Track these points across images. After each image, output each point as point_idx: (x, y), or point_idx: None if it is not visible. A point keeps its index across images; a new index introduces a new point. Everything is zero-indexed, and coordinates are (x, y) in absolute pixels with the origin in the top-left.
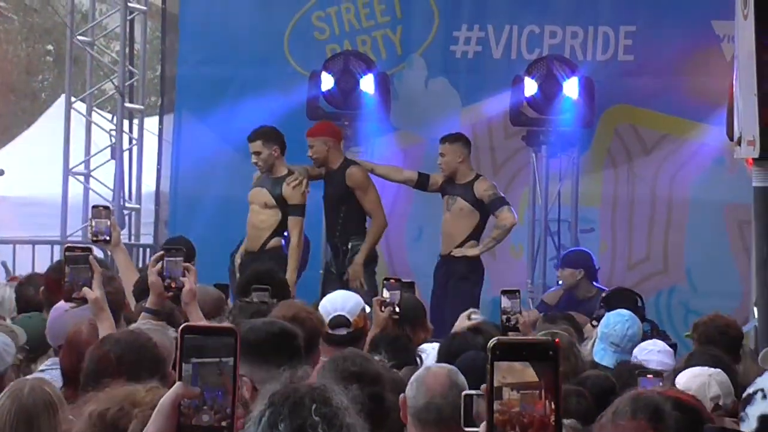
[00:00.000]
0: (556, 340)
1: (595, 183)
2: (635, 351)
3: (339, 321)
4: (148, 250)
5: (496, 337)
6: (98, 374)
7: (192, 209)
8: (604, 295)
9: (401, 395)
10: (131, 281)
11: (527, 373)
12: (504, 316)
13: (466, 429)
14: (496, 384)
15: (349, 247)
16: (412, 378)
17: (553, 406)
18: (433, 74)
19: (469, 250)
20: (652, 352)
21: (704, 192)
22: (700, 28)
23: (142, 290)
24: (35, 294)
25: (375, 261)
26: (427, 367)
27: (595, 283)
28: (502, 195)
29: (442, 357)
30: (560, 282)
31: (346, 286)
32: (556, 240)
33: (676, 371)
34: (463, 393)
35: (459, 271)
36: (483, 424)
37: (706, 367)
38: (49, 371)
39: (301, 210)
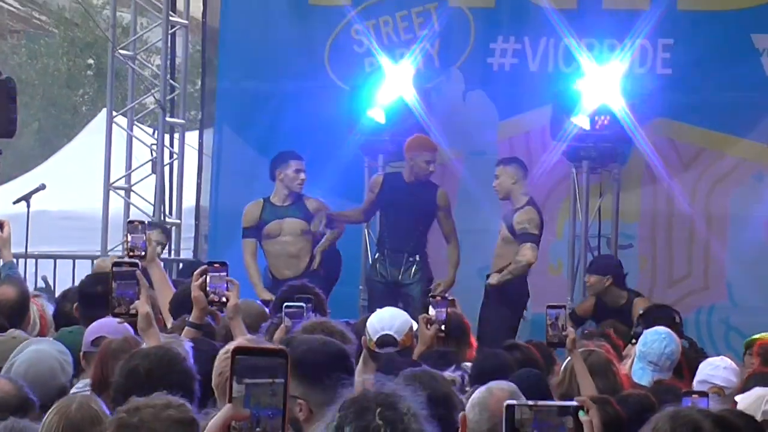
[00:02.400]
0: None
1: (633, 198)
2: (702, 366)
3: (386, 340)
4: None
5: None
6: (127, 388)
7: (232, 224)
8: (641, 312)
9: (461, 413)
10: (166, 297)
11: None
12: (550, 331)
13: None
14: None
15: (417, 259)
16: (474, 400)
17: None
18: (471, 87)
19: (492, 278)
20: (717, 368)
21: (744, 207)
22: (739, 42)
23: (178, 305)
24: (72, 310)
25: (431, 281)
26: (489, 389)
27: (625, 289)
28: (534, 232)
29: (474, 377)
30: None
31: (396, 295)
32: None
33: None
34: (505, 403)
35: (494, 297)
36: None
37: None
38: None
39: None
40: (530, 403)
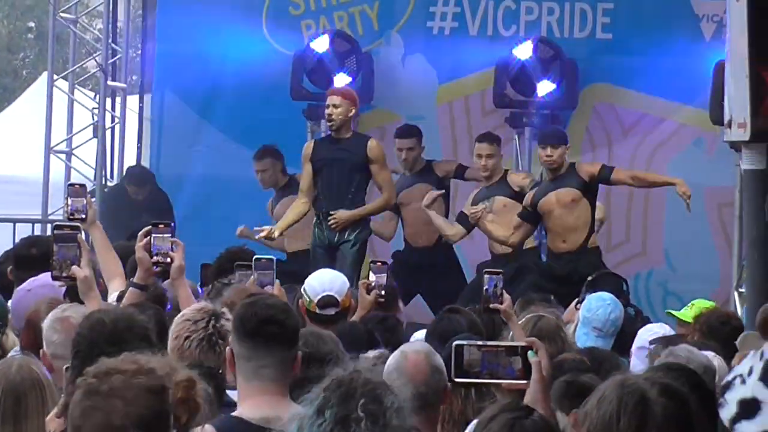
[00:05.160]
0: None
1: None
2: (641, 332)
3: (328, 301)
4: None
5: None
6: (91, 340)
7: (173, 188)
8: (589, 279)
9: None
10: (107, 260)
11: None
12: (485, 297)
13: (457, 380)
14: None
15: None
16: (391, 366)
17: None
18: (410, 51)
19: None
20: (656, 335)
21: (682, 174)
22: (679, 7)
23: (134, 268)
24: (5, 273)
25: (365, 243)
26: (403, 353)
27: None
28: None
29: (432, 338)
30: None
31: (332, 257)
32: None
33: None
34: (455, 343)
35: None
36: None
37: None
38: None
39: None
40: (479, 343)
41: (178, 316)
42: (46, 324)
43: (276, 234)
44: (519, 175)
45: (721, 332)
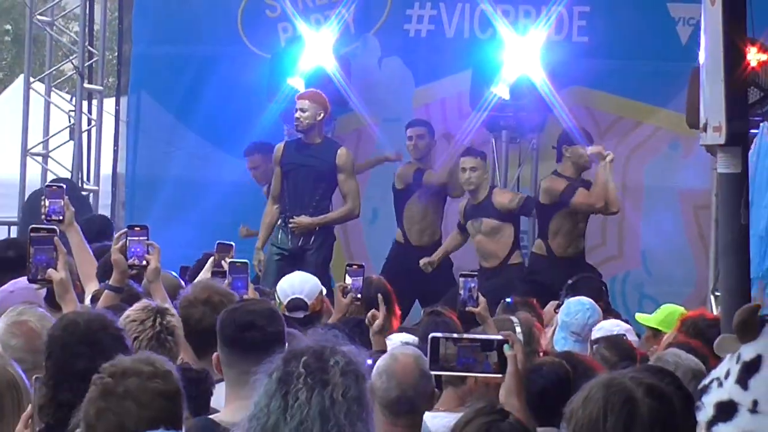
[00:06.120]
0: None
1: (550, 167)
2: (595, 331)
3: (296, 304)
4: None
5: None
6: (65, 340)
7: (150, 191)
8: (570, 282)
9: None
10: (84, 261)
11: None
12: (461, 299)
13: (432, 372)
14: None
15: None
16: (380, 368)
17: None
18: (387, 53)
19: None
20: (609, 332)
21: (659, 177)
22: (655, 11)
23: (106, 271)
24: None
25: (331, 250)
26: (393, 356)
27: None
28: None
29: (422, 342)
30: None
31: (295, 266)
32: None
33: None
34: (430, 336)
35: None
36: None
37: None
38: None
39: None
40: (455, 336)
41: (123, 316)
42: (0, 328)
43: (261, 255)
44: (505, 196)
45: (709, 335)
